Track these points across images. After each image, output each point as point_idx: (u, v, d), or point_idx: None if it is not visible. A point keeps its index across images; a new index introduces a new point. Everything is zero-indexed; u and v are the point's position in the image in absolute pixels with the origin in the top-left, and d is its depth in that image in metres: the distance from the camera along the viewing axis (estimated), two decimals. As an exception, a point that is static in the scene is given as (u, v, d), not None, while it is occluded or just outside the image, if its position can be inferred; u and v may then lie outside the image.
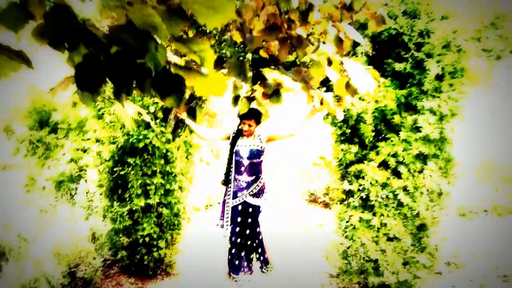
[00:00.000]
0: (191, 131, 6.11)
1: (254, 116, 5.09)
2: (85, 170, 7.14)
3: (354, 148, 5.21)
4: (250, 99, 2.89)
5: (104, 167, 5.76)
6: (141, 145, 5.42)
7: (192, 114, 2.65)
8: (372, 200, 5.17)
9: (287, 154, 10.13)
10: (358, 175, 5.30)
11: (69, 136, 7.22)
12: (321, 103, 2.64)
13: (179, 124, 5.96)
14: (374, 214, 5.22)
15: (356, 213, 5.26)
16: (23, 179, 7.31)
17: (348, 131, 5.18)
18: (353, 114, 5.04)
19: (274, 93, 2.71)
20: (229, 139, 5.41)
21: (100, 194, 6.24)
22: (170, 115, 5.74)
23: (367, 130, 5.05)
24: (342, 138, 5.31)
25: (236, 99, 2.79)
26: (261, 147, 5.23)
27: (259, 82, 2.85)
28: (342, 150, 5.30)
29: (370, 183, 5.19)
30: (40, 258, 5.33)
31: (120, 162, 5.64)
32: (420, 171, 5.07)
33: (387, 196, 5.11)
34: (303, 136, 8.97)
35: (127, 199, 5.72)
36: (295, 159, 10.38)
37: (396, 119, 4.96)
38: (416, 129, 4.94)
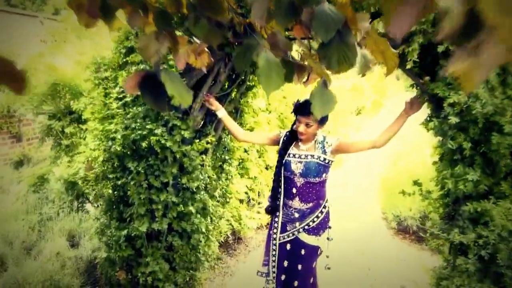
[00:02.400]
0: (224, 131, 4.31)
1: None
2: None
3: (475, 174, 3.07)
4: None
5: (99, 171, 4.14)
6: (144, 144, 3.72)
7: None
8: (502, 265, 3.00)
9: (365, 161, 7.96)
10: (477, 219, 3.15)
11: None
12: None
13: (208, 119, 4.19)
14: (503, 290, 3.04)
15: (470, 285, 3.10)
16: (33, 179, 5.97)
17: (468, 145, 3.04)
18: (477, 115, 2.91)
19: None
20: (278, 144, 3.54)
21: (99, 206, 4.63)
22: (194, 104, 3.99)
23: (503, 145, 2.90)
24: (455, 156, 3.19)
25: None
26: (325, 160, 3.31)
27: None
28: (452, 175, 3.18)
29: (499, 235, 3.03)
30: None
31: (119, 166, 3.99)
32: None
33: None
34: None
35: (127, 219, 4.06)
36: (375, 169, 8.20)
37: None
38: None
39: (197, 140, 3.99)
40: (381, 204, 7.75)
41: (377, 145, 3.28)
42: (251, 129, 6.59)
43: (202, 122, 4.16)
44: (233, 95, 4.29)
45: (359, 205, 7.85)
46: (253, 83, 4.43)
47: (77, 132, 5.64)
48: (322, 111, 1.27)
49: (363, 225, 7.02)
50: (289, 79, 1.44)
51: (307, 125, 3.28)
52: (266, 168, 7.21)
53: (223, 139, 4.34)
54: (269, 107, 7.87)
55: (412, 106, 3.22)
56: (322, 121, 3.31)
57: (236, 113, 4.44)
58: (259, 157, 7.16)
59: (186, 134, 3.86)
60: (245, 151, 6.66)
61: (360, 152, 3.50)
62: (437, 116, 3.15)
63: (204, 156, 4.03)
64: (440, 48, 2.93)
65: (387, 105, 21.83)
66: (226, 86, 4.27)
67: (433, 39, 2.98)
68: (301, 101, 3.36)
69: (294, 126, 3.42)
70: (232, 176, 4.60)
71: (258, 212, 6.77)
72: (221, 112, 3.69)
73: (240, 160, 6.63)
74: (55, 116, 6.12)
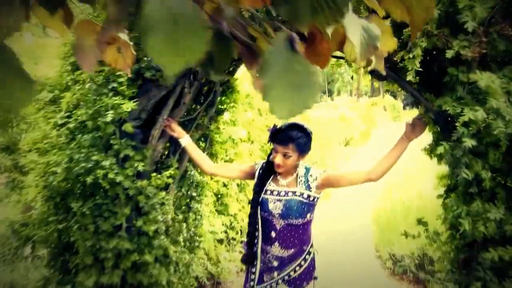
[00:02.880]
0: (190, 162, 3.64)
1: (294, 138, 2.60)
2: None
3: (498, 212, 2.41)
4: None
5: (39, 213, 3.42)
6: (89, 179, 3.03)
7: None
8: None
9: (355, 190, 7.31)
10: (504, 270, 2.48)
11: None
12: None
13: (171, 149, 3.52)
14: None
15: None
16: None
17: (488, 174, 2.40)
18: (500, 136, 2.28)
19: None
20: (253, 178, 2.88)
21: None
22: (153, 130, 3.33)
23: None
24: (471, 189, 2.54)
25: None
26: (309, 197, 2.67)
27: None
28: (469, 213, 2.51)
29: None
30: None
31: (61, 206, 3.28)
32: None
33: None
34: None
35: (72, 271, 3.33)
36: (368, 200, 7.52)
37: None
38: None
39: (156, 174, 3.31)
40: (374, 240, 7.05)
41: (373, 176, 2.65)
42: (231, 161, 5.95)
43: (162, 152, 3.49)
44: (201, 120, 3.64)
45: (350, 242, 7.14)
46: (224, 106, 3.79)
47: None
48: (285, 106, 0.62)
49: (355, 265, 6.28)
50: (224, 61, 0.80)
51: (285, 155, 2.63)
52: (249, 204, 6.50)
53: (189, 172, 3.66)
54: (251, 136, 7.27)
55: (414, 128, 2.61)
56: (303, 150, 2.67)
57: (205, 141, 3.78)
58: (240, 191, 6.47)
59: (142, 167, 3.19)
60: (224, 185, 5.99)
61: (351, 185, 2.84)
62: (447, 139, 2.52)
63: (164, 193, 3.34)
64: (449, 54, 2.32)
65: (375, 135, 21.57)
66: (193, 110, 3.63)
67: (439, 43, 2.39)
68: (278, 126, 2.74)
69: (271, 157, 2.78)
70: (202, 216, 3.90)
71: (240, 252, 6.04)
72: (185, 140, 3.03)
73: (219, 195, 5.96)
74: (8, 148, 5.42)
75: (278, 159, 2.63)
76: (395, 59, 2.53)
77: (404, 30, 2.50)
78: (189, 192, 3.67)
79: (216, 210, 5.92)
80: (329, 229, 7.36)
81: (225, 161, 5.68)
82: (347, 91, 44.86)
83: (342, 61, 3.67)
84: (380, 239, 6.66)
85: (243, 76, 4.74)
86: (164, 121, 3.17)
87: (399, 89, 2.94)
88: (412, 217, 6.68)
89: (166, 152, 3.50)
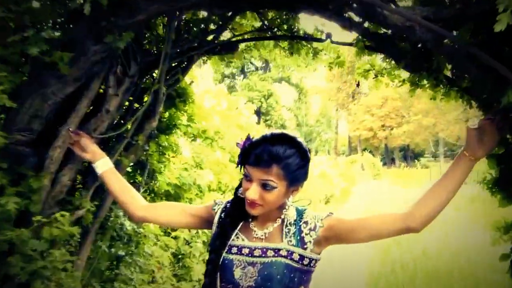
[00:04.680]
0: (103, 201, 2.35)
1: (281, 156, 1.42)
2: None
3: None
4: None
5: None
6: None
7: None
8: None
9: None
10: None
11: None
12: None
13: (89, 180, 2.26)
14: None
15: None
16: None
17: None
18: None
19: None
20: (209, 226, 1.63)
21: None
22: (51, 149, 2.08)
23: None
24: None
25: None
26: (303, 260, 1.49)
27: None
28: None
29: None
30: None
31: None
32: None
33: None
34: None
35: None
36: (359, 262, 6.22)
37: None
38: None
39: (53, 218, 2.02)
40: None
41: (412, 224, 1.47)
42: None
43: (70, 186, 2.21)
44: (135, 138, 2.40)
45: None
46: (174, 122, 2.58)
47: None
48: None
49: None
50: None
51: (264, 186, 1.43)
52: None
53: (113, 218, 2.35)
54: (221, 184, 6.05)
55: (484, 136, 1.46)
56: (295, 178, 1.52)
57: (142, 171, 2.52)
58: (207, 250, 5.16)
59: (33, 207, 1.91)
60: (187, 243, 4.69)
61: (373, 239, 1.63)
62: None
63: (64, 252, 2.02)
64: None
65: (356, 193, 21.03)
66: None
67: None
68: (253, 139, 1.55)
69: (240, 190, 1.55)
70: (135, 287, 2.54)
71: None
72: (103, 165, 1.81)
73: (179, 256, 4.68)
74: None
75: (252, 192, 1.45)
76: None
77: None
78: (113, 250, 2.34)
79: (175, 275, 4.59)
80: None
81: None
82: (325, 150, 44.49)
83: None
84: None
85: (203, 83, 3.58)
86: (69, 135, 1.92)
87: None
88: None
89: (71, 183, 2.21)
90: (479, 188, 2.12)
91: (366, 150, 34.91)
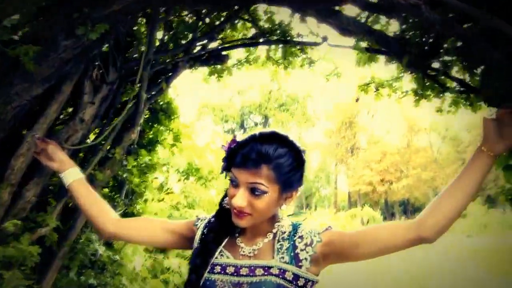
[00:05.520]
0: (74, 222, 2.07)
1: (271, 156, 1.21)
2: None
3: None
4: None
5: None
6: None
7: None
8: None
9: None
10: None
11: None
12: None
13: (61, 194, 2.00)
14: None
15: None
16: None
17: None
18: None
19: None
20: (191, 243, 1.38)
21: None
22: (13, 158, 1.84)
23: None
24: None
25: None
26: (297, 280, 1.24)
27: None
28: None
29: None
30: None
31: None
32: None
33: None
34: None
35: None
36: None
37: None
38: None
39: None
40: None
41: (425, 233, 1.26)
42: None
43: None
44: (110, 151, 2.17)
45: None
46: (158, 137, 2.35)
47: None
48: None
49: None
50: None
51: (253, 190, 1.23)
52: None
53: (83, 240, 2.06)
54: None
55: (503, 127, 1.24)
56: (288, 181, 1.32)
57: (119, 189, 2.26)
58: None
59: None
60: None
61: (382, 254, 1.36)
62: None
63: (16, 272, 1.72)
64: None
65: None
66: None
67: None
68: (242, 140, 1.34)
69: (225, 200, 1.35)
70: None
71: None
72: (71, 175, 1.57)
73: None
74: None
75: (239, 199, 1.26)
76: None
77: None
78: (82, 278, 2.03)
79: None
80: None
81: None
82: (325, 206, 43.95)
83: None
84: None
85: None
86: (35, 142, 1.68)
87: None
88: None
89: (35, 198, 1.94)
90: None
91: (366, 205, 34.55)
